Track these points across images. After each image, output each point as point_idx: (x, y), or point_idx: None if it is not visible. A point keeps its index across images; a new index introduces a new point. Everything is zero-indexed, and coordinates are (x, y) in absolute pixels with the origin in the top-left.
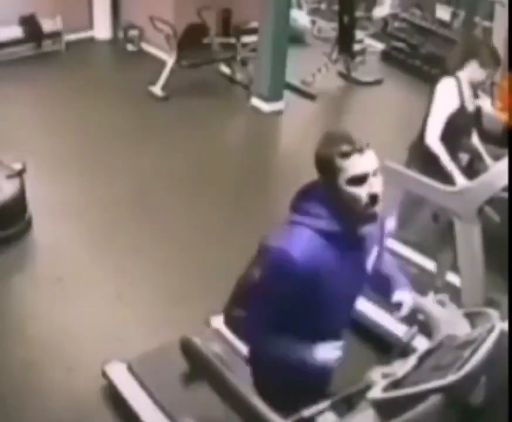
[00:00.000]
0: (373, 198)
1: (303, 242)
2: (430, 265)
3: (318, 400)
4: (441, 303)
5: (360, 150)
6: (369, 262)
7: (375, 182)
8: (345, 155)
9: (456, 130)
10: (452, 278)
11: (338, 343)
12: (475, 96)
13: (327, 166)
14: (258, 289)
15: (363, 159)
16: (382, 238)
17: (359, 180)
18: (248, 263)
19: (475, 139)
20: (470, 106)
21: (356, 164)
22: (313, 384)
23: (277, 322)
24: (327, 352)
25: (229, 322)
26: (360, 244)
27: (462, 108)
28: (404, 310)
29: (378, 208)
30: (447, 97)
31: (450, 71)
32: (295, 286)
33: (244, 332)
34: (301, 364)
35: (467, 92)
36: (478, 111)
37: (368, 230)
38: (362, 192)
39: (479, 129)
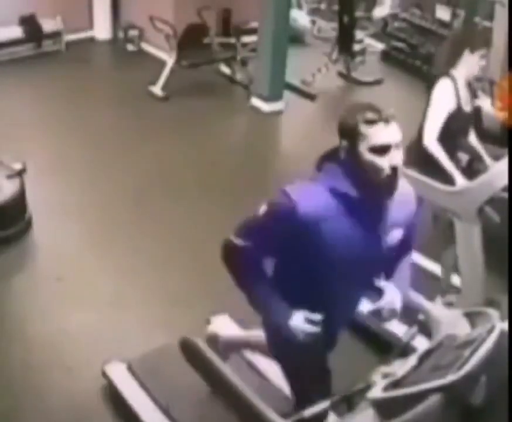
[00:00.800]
0: (394, 170)
1: (313, 198)
2: (431, 266)
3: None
4: (449, 305)
5: (386, 120)
6: (387, 242)
7: (396, 154)
8: (371, 122)
9: (453, 132)
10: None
11: (314, 316)
12: (474, 96)
13: (350, 132)
14: (258, 223)
15: (387, 129)
16: (412, 227)
17: (382, 149)
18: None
19: (473, 139)
20: (467, 107)
21: (380, 133)
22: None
23: (268, 268)
24: (299, 321)
25: (224, 248)
26: (376, 217)
27: (459, 109)
28: (381, 303)
29: (397, 181)
30: (444, 98)
31: (443, 71)
32: (294, 237)
33: (233, 259)
34: (273, 320)
35: (464, 92)
36: (477, 110)
37: (388, 205)
38: (383, 162)
39: (478, 129)
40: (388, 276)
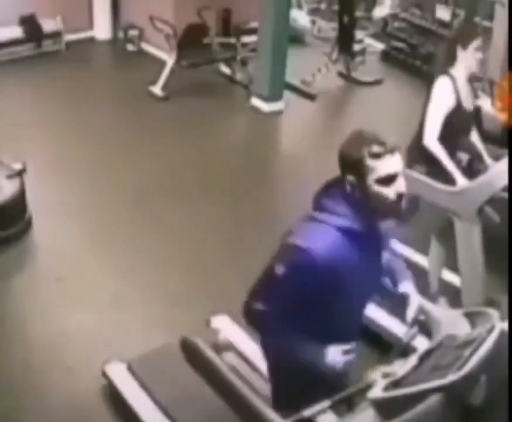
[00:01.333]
0: (400, 197)
1: (326, 242)
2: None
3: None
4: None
5: (391, 151)
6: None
7: (401, 181)
8: (377, 156)
9: (454, 130)
10: (452, 277)
11: (348, 347)
12: (475, 94)
13: (356, 166)
14: (280, 285)
15: (393, 159)
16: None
17: (389, 179)
18: (270, 258)
19: (474, 137)
20: (468, 105)
21: (387, 164)
22: (325, 383)
23: (293, 320)
24: (336, 355)
25: (248, 315)
26: (379, 242)
27: (459, 107)
28: (413, 308)
29: (402, 205)
30: (443, 96)
31: (442, 70)
32: (316, 285)
33: (261, 326)
34: (311, 364)
35: (464, 89)
36: (478, 109)
37: (386, 227)
38: (390, 191)
39: (479, 129)
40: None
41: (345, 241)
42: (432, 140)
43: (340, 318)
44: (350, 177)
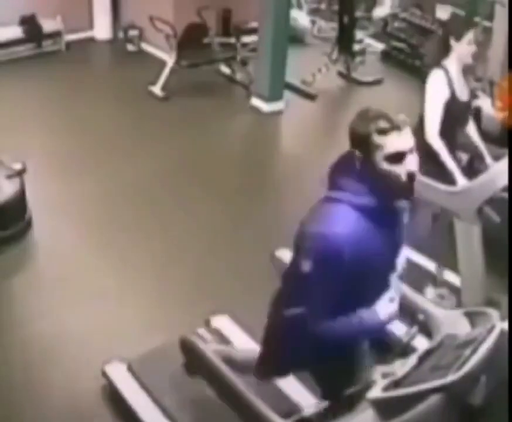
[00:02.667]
0: (411, 176)
1: (348, 222)
2: (428, 264)
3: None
4: (441, 297)
5: (398, 128)
6: (403, 236)
7: (412, 160)
8: (383, 132)
9: (450, 122)
10: (452, 277)
11: (390, 294)
12: (470, 89)
13: (363, 142)
14: (313, 282)
15: (401, 137)
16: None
17: (398, 157)
18: (292, 257)
19: (471, 130)
20: (463, 96)
21: (394, 141)
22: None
23: (335, 309)
24: (386, 307)
25: (278, 327)
26: (395, 218)
27: (453, 98)
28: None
29: (413, 185)
30: (437, 88)
31: (436, 63)
32: (346, 267)
33: (304, 329)
34: (371, 331)
35: (458, 81)
36: (478, 109)
37: (403, 204)
38: (400, 170)
39: (479, 129)
40: None
41: (361, 218)
42: (433, 136)
43: (370, 287)
44: (359, 154)
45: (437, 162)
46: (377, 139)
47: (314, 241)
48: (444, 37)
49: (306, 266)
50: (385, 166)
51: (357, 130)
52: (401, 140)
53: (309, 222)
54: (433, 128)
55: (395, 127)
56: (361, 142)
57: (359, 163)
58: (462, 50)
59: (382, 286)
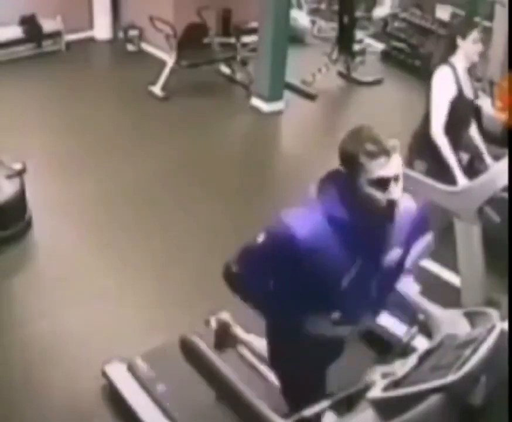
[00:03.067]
0: (390, 204)
1: (308, 224)
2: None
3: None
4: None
5: (387, 153)
6: (387, 261)
7: (395, 189)
8: (371, 155)
9: (456, 119)
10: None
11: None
12: (474, 89)
13: (350, 162)
14: (257, 251)
15: (388, 163)
16: (409, 244)
17: (381, 183)
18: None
19: (474, 131)
20: (469, 94)
21: (380, 167)
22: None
23: (271, 288)
24: (326, 327)
25: (227, 276)
26: (374, 240)
27: (460, 95)
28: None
29: (395, 212)
30: (444, 84)
31: (442, 61)
32: (290, 261)
33: (236, 288)
34: (297, 327)
35: (465, 78)
36: (478, 109)
37: (386, 229)
38: (381, 196)
39: (479, 129)
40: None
41: (331, 232)
42: (438, 132)
43: (323, 300)
44: (345, 171)
45: (439, 160)
46: (364, 161)
47: (274, 224)
48: (451, 36)
49: (259, 237)
50: (368, 189)
51: (346, 149)
52: (387, 167)
53: (284, 212)
54: (438, 124)
55: (384, 152)
56: (348, 161)
57: (342, 181)
58: (468, 48)
59: (353, 303)
